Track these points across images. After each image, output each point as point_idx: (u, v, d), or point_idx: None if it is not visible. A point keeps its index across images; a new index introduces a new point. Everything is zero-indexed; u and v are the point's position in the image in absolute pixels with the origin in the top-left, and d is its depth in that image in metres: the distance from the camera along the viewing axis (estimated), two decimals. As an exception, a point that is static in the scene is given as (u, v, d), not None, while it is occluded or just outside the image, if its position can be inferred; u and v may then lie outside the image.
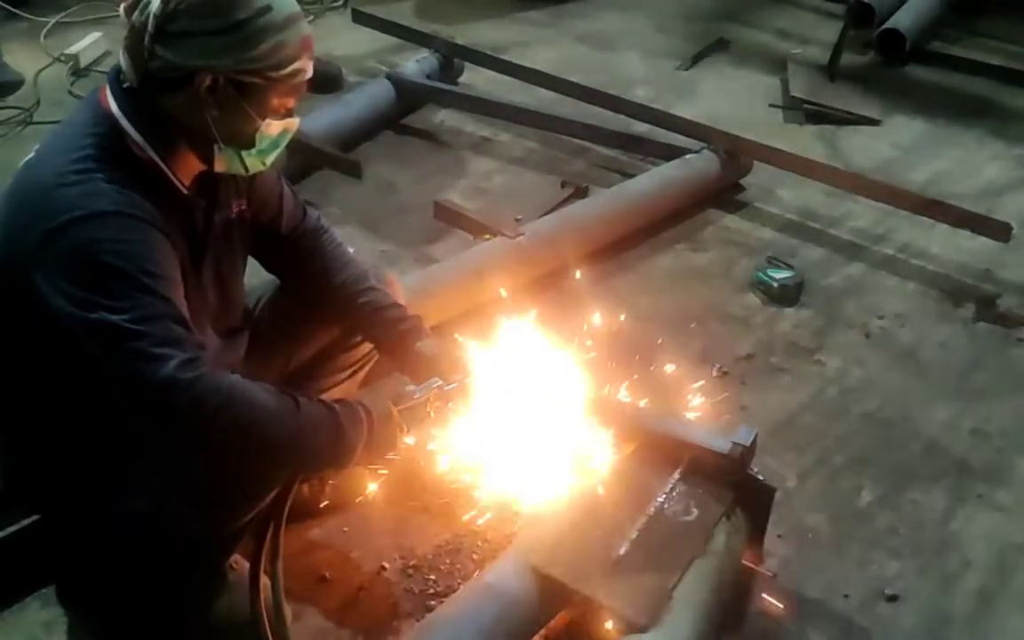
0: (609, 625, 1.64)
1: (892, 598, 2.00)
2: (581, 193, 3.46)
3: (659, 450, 1.92)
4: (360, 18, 4.60)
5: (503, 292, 2.57)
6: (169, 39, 1.42)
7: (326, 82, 4.14)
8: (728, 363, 2.69)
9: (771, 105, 4.41)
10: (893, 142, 4.12)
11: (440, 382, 1.75)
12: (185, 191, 1.53)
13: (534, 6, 5.47)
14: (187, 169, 1.54)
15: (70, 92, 4.15)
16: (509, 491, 2.17)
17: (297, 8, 1.50)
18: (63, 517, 1.59)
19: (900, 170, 3.84)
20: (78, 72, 4.31)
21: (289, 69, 1.49)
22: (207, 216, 1.63)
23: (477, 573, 1.95)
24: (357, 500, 2.12)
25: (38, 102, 4.03)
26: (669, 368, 2.51)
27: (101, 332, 1.34)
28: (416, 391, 1.72)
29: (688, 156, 3.48)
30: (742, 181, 3.62)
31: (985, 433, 2.49)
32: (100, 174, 1.40)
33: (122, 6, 1.47)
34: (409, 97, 4.04)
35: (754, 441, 1.85)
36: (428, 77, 4.12)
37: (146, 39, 1.42)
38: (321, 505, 2.08)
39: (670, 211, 3.35)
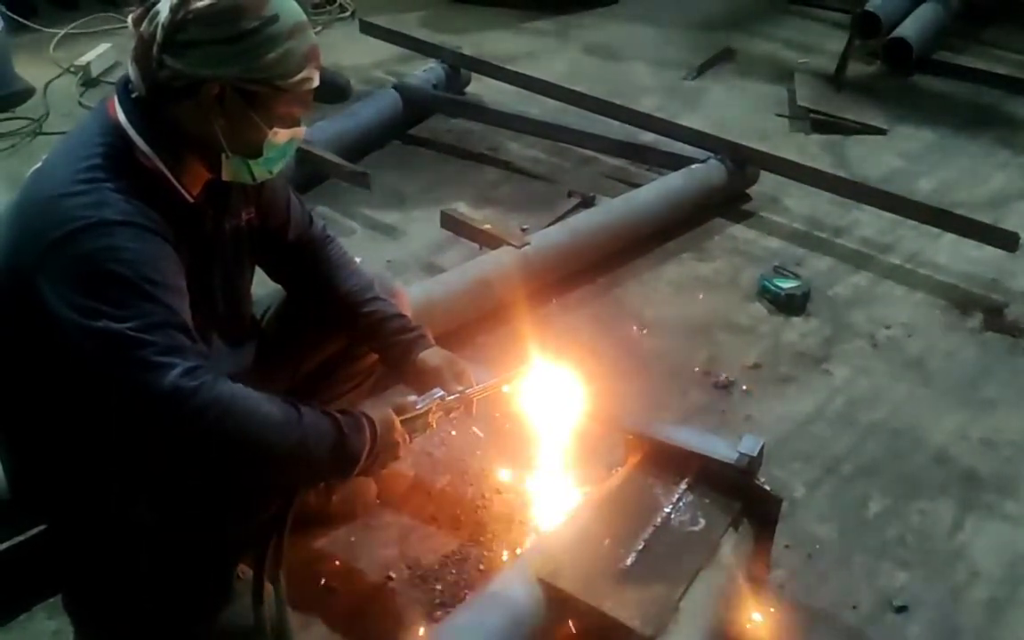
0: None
1: (900, 609, 1.99)
2: (587, 203, 3.46)
3: (666, 460, 1.91)
4: (367, 29, 4.62)
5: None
6: (177, 49, 1.42)
7: (334, 92, 4.15)
8: (735, 372, 2.68)
9: (777, 115, 4.41)
10: (900, 151, 4.12)
11: (442, 393, 1.75)
12: (192, 200, 1.53)
13: (540, 16, 5.49)
14: (195, 178, 1.55)
15: (79, 103, 4.18)
16: (516, 502, 2.18)
17: (304, 18, 1.51)
18: (69, 526, 1.59)
19: (907, 179, 3.84)
20: (88, 83, 4.34)
21: (296, 78, 1.49)
22: (216, 224, 1.63)
23: (483, 583, 1.94)
24: (363, 510, 2.13)
25: (47, 113, 4.06)
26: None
27: (104, 340, 1.34)
28: (419, 401, 1.72)
29: (694, 166, 3.48)
30: (748, 190, 3.62)
31: (993, 443, 2.48)
32: (107, 183, 1.41)
33: (130, 17, 1.48)
34: (416, 107, 4.06)
35: (761, 451, 1.84)
36: (435, 87, 4.13)
37: (154, 49, 1.43)
38: (327, 515, 2.08)
39: (676, 221, 3.35)
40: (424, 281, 2.79)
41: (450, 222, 3.08)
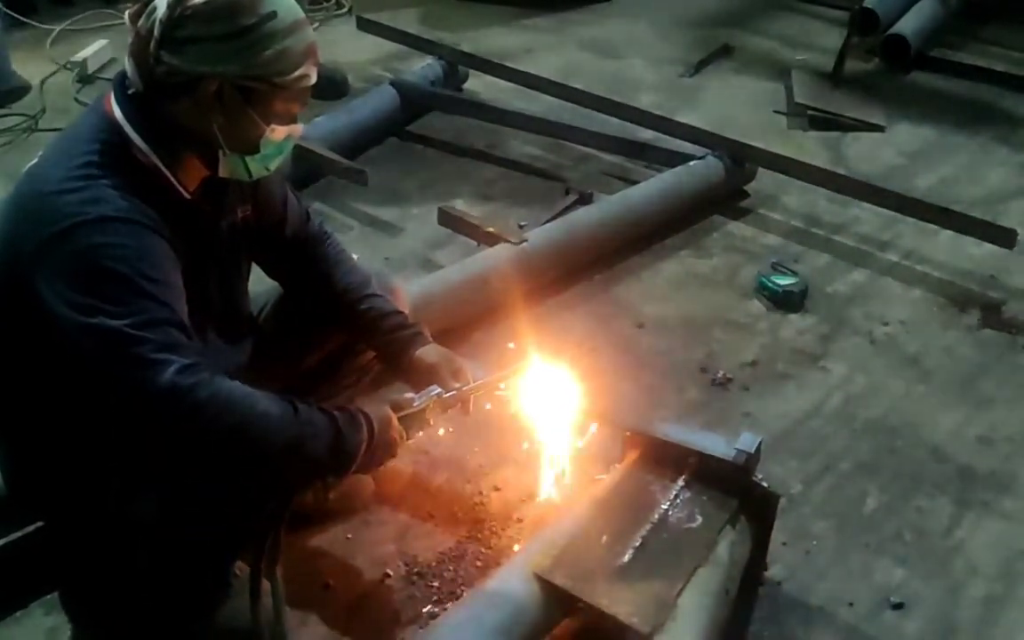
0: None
1: (897, 606, 1.99)
2: (585, 199, 3.46)
3: (663, 457, 1.91)
4: (365, 25, 4.61)
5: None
6: (175, 45, 1.42)
7: (331, 89, 4.15)
8: (733, 369, 2.68)
9: (775, 111, 4.41)
10: (897, 148, 4.12)
11: (439, 390, 1.75)
12: (188, 197, 1.53)
13: (538, 13, 5.49)
14: (191, 175, 1.54)
15: (76, 99, 4.17)
16: (513, 499, 2.18)
17: (302, 14, 1.51)
18: (67, 523, 1.59)
19: (905, 176, 3.84)
20: (84, 79, 4.33)
21: (294, 75, 1.49)
22: (212, 221, 1.63)
23: (481, 580, 1.94)
24: (360, 507, 2.13)
25: (43, 109, 4.05)
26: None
27: (101, 337, 1.34)
28: (416, 399, 1.72)
29: (692, 163, 3.48)
30: (746, 187, 3.62)
31: (991, 440, 2.48)
32: (104, 180, 1.40)
33: (127, 13, 1.48)
34: (414, 104, 4.05)
35: (759, 448, 1.85)
36: (432, 84, 4.13)
37: (152, 45, 1.42)
38: (324, 512, 2.08)
39: (674, 217, 3.35)
40: (422, 278, 2.79)
41: (448, 219, 3.08)
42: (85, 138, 1.45)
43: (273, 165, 1.60)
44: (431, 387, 1.75)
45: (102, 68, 4.44)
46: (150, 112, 1.47)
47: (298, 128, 1.60)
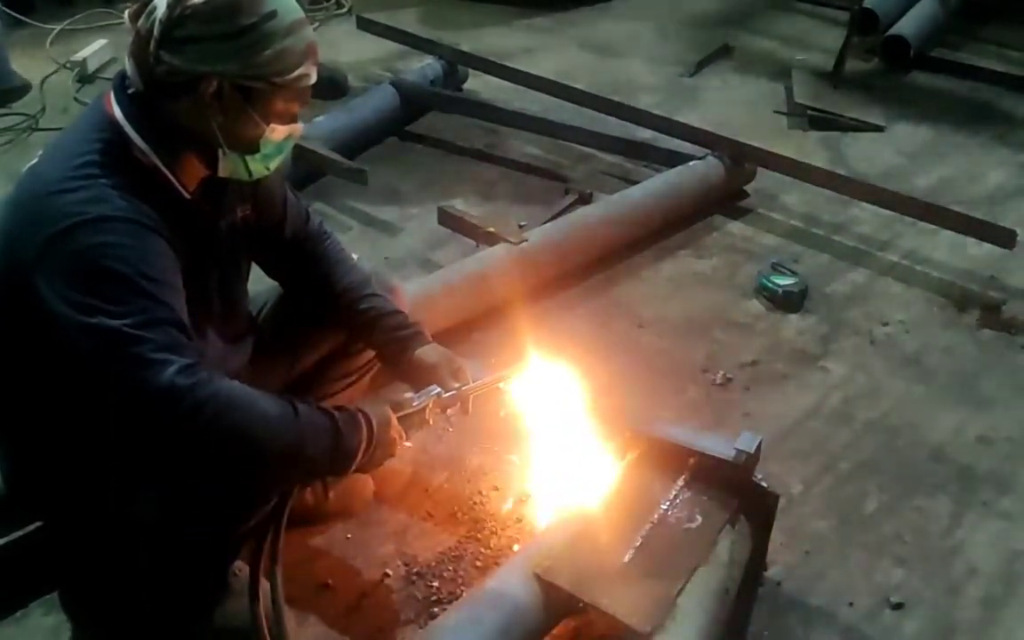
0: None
1: (897, 606, 1.99)
2: (585, 199, 3.46)
3: (663, 457, 1.91)
4: (365, 25, 4.61)
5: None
6: (175, 44, 1.42)
7: (331, 88, 4.15)
8: (732, 369, 2.68)
9: (775, 111, 4.41)
10: (897, 148, 4.12)
11: (439, 390, 1.75)
12: (188, 197, 1.53)
13: (538, 13, 5.49)
14: (191, 174, 1.54)
15: (75, 98, 4.17)
16: (513, 498, 2.18)
17: (302, 14, 1.51)
18: (67, 524, 1.59)
19: (904, 176, 3.84)
20: (84, 78, 4.33)
21: (294, 74, 1.49)
22: (212, 221, 1.63)
23: (480, 580, 1.94)
24: (360, 507, 2.13)
25: (43, 108, 4.05)
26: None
27: (100, 337, 1.34)
28: (415, 398, 1.72)
29: (692, 163, 3.48)
30: (746, 187, 3.62)
31: (990, 440, 2.48)
32: (104, 179, 1.40)
33: (127, 12, 1.48)
34: (413, 103, 4.05)
35: (758, 448, 1.84)
36: (432, 83, 4.13)
37: (152, 45, 1.42)
38: (324, 512, 2.08)
39: (674, 217, 3.35)
40: (421, 278, 2.79)
41: (447, 218, 3.08)
42: (85, 138, 1.45)
43: (273, 165, 1.60)
44: (431, 387, 1.75)
45: (102, 68, 4.44)
46: (150, 112, 1.48)
47: (298, 128, 1.60)
